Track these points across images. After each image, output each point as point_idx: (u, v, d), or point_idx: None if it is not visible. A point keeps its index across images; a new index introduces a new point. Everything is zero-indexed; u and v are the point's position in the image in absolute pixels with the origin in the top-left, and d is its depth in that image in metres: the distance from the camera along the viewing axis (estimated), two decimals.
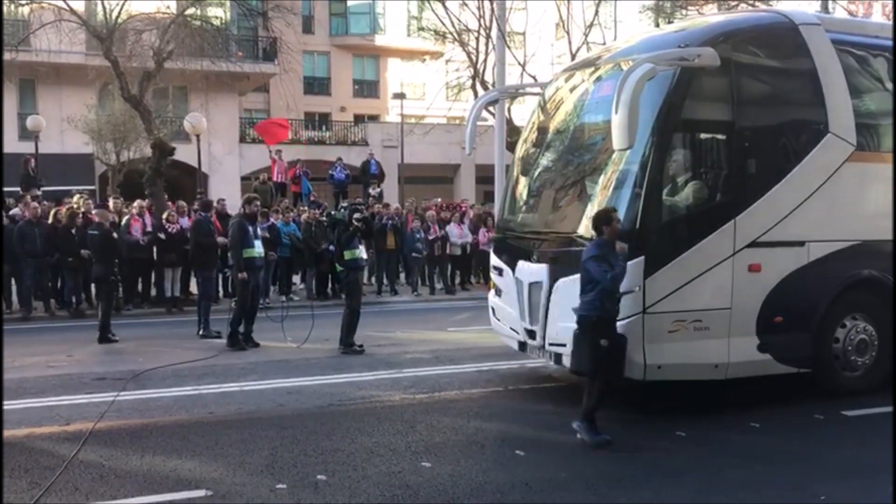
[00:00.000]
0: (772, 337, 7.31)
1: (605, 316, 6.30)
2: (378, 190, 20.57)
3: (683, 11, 22.77)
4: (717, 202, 7.28)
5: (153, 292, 15.03)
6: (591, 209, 7.40)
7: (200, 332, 11.70)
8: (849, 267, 7.70)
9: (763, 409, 7.27)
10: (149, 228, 14.40)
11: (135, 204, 14.81)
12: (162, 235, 14.24)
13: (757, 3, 20.57)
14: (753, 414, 7.11)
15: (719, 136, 7.33)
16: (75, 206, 14.31)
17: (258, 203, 11.58)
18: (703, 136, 7.34)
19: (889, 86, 8.11)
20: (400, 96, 28.67)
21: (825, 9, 19.13)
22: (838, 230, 7.65)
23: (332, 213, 11.16)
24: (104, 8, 18.35)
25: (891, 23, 18.10)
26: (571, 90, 8.57)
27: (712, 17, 10.94)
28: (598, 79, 8.07)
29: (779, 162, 7.47)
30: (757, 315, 7.26)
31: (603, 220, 6.45)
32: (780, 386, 7.61)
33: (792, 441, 6.53)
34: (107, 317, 11.43)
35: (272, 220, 15.46)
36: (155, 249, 14.51)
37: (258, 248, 10.95)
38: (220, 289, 15.42)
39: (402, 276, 18.15)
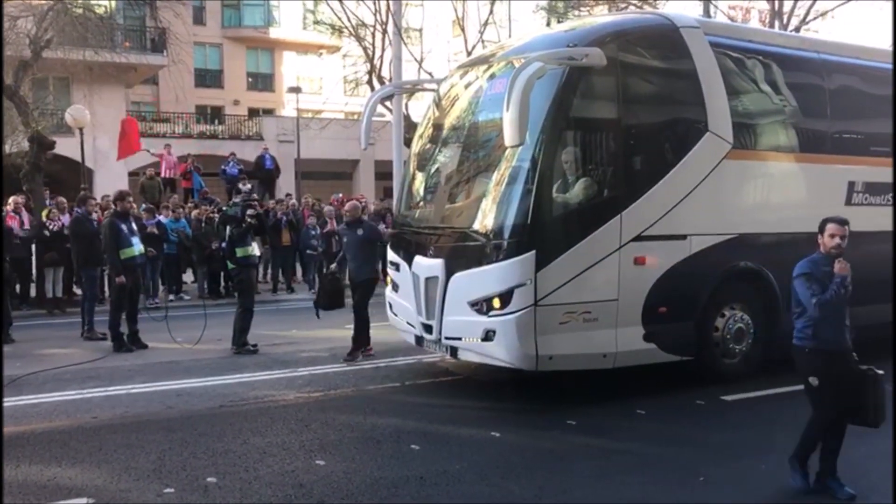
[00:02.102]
0: (656, 327, 7.61)
1: (820, 347, 5.23)
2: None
3: (575, 12, 23.37)
4: (604, 198, 7.50)
5: (33, 293, 14.26)
6: (485, 204, 7.51)
7: (85, 334, 11.19)
8: (727, 259, 8.11)
9: (649, 397, 7.57)
10: (26, 226, 13.63)
11: (10, 200, 13.98)
12: (46, 233, 13.55)
13: (644, 6, 21.33)
14: (640, 401, 7.39)
15: (606, 134, 7.55)
16: None
17: (130, 199, 11.11)
18: (590, 133, 7.54)
19: (763, 87, 8.58)
20: (296, 90, 28.18)
21: (707, 13, 20.03)
22: (717, 224, 8.04)
23: (224, 208, 10.84)
24: None
25: (765, 28, 19.16)
26: (466, 87, 8.65)
27: (600, 18, 11.29)
28: (492, 76, 8.18)
29: (662, 159, 7.78)
30: (642, 306, 7.54)
31: (819, 228, 5.40)
32: (664, 374, 7.92)
33: (676, 426, 6.84)
34: (7, 313, 11.16)
35: (159, 216, 14.94)
36: (34, 248, 13.78)
37: (137, 247, 10.50)
38: (107, 288, 14.80)
39: (299, 272, 17.89)
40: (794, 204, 8.62)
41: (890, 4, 17.01)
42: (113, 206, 10.78)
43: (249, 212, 10.18)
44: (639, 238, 7.47)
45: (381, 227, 17.61)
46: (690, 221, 7.82)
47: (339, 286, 10.09)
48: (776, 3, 20.82)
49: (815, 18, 21.72)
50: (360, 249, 9.58)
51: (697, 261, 7.86)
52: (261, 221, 10.71)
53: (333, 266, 10.24)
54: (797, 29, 20.28)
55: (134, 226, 10.89)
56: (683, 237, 7.79)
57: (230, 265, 10.47)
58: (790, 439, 6.38)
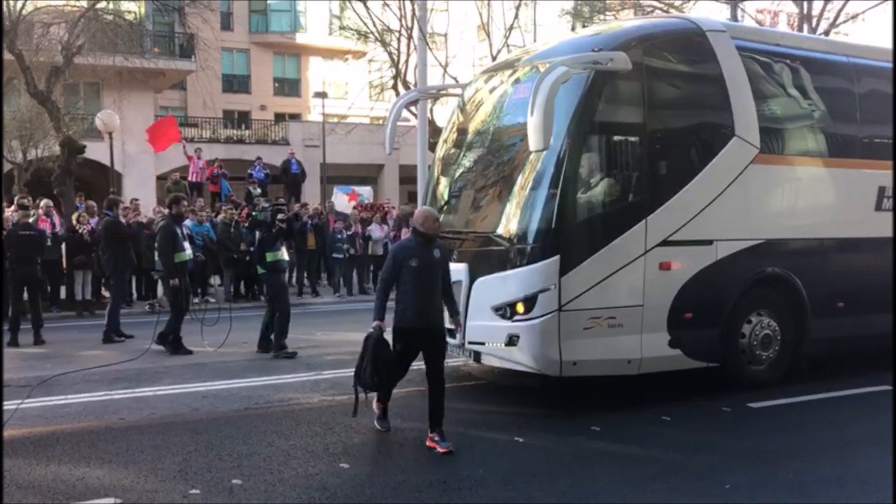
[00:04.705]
0: (682, 333, 7.55)
1: None
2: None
3: (601, 16, 23.29)
4: (629, 202, 7.46)
5: (63, 295, 14.49)
6: (510, 209, 7.51)
7: (103, 337, 11.28)
8: (754, 265, 8.03)
9: (674, 403, 7.51)
10: (57, 229, 13.86)
11: (41, 203, 14.22)
12: (87, 237, 13.78)
13: (670, 10, 21.20)
14: (665, 407, 7.33)
15: (631, 138, 7.51)
16: None
17: (185, 203, 11.19)
18: (615, 137, 7.49)
19: (791, 91, 8.50)
20: (321, 95, 28.39)
21: (734, 16, 19.88)
22: (744, 229, 7.97)
23: (254, 213, 10.83)
24: None
25: (793, 32, 18.96)
26: (490, 91, 8.66)
27: (626, 22, 11.25)
28: (516, 81, 8.18)
29: (688, 164, 7.73)
30: (668, 311, 7.49)
31: None
32: (689, 380, 7.86)
33: (701, 432, 6.77)
34: (39, 315, 11.33)
35: (185, 220, 15.09)
36: (64, 251, 14.00)
37: (189, 251, 10.61)
38: (134, 292, 15.03)
39: (324, 276, 18.01)
40: (822, 209, 8.53)
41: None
42: (168, 211, 10.87)
43: (280, 216, 10.23)
44: (664, 243, 7.42)
45: (404, 232, 17.81)
46: (716, 227, 7.75)
47: (390, 351, 6.40)
48: (805, 6, 20.60)
49: (845, 21, 21.45)
50: (437, 280, 6.38)
51: (723, 266, 7.80)
52: (289, 226, 10.77)
53: (376, 323, 6.35)
54: (826, 32, 20.04)
55: (185, 231, 11.00)
56: (709, 242, 7.73)
57: (260, 270, 10.51)
58: (817, 447, 6.35)
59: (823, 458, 6.10)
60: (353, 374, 6.43)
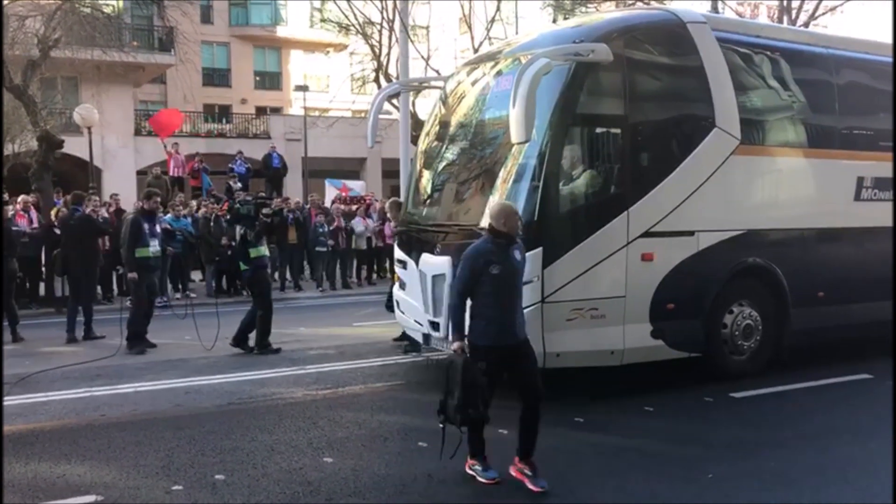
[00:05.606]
0: (664, 323, 7.59)
1: None
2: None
3: (582, 8, 23.32)
4: (611, 194, 7.49)
5: (42, 291, 14.34)
6: (492, 201, 7.48)
7: (86, 335, 11.15)
8: (735, 255, 8.07)
9: (656, 394, 7.54)
10: (35, 225, 13.69)
11: (20, 199, 14.05)
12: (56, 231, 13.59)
13: (651, 2, 21.26)
14: (647, 398, 7.36)
15: (613, 130, 7.52)
16: None
17: (158, 199, 11.01)
18: (597, 129, 7.51)
19: (771, 83, 8.54)
20: (303, 88, 28.24)
21: (715, 9, 19.97)
22: (725, 220, 8.00)
23: (236, 206, 10.61)
24: None
25: (773, 24, 19.07)
26: (472, 84, 8.64)
27: (607, 14, 11.26)
28: (498, 73, 8.16)
29: (669, 155, 7.75)
30: (650, 302, 7.52)
31: None
32: (672, 370, 7.90)
33: (684, 423, 6.81)
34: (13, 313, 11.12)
35: (165, 216, 14.96)
36: (43, 247, 13.84)
37: (153, 248, 10.41)
38: (115, 287, 14.90)
39: (307, 271, 17.94)
40: (802, 200, 8.59)
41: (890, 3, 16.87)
42: (140, 205, 10.74)
43: (265, 210, 10.10)
44: (646, 234, 7.45)
45: (389, 226, 17.74)
46: (698, 217, 7.78)
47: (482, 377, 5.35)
48: None
49: (823, 14, 21.65)
50: (519, 286, 5.48)
51: (705, 257, 7.84)
52: (273, 221, 10.64)
53: (457, 344, 5.36)
54: (806, 24, 20.19)
55: (157, 227, 10.82)
56: (691, 233, 7.77)
57: (242, 266, 10.35)
58: (798, 436, 6.40)
59: (804, 446, 6.15)
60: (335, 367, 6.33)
